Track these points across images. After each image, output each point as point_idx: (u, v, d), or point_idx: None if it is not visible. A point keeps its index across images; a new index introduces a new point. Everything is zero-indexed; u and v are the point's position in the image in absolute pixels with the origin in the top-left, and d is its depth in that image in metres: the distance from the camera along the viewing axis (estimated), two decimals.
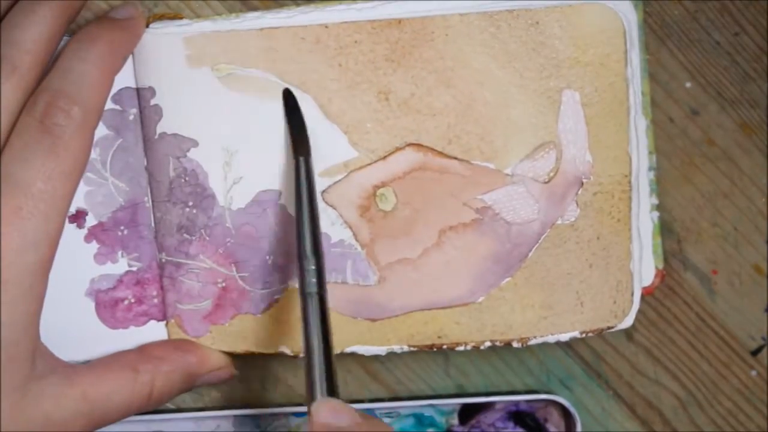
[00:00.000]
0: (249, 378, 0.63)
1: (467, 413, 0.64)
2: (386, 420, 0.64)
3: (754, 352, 0.65)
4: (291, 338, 0.59)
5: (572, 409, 0.62)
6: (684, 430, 0.65)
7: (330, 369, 0.52)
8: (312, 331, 0.53)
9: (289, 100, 0.57)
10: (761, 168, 0.64)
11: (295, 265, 0.55)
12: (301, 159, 0.56)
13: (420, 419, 0.64)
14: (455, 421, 0.64)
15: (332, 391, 0.52)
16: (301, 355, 0.58)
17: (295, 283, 0.58)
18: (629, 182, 0.59)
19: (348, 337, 0.59)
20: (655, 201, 0.61)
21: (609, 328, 0.60)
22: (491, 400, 0.63)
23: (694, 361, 0.65)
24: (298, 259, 0.54)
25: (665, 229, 0.63)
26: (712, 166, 0.64)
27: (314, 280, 0.54)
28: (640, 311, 0.62)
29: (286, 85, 0.57)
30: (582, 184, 0.58)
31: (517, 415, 0.64)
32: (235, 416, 0.63)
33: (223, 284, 0.58)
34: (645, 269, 0.61)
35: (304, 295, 0.54)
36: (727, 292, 0.65)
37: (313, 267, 0.54)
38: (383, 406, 0.63)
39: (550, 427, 0.64)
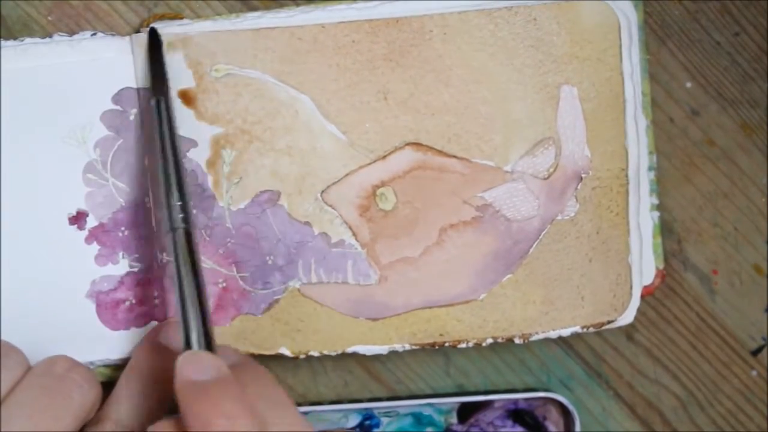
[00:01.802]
0: None
1: (466, 412, 0.64)
2: (385, 419, 0.64)
3: (754, 352, 0.65)
4: (291, 339, 0.59)
5: (571, 407, 0.62)
6: (684, 430, 0.65)
7: (204, 315, 0.52)
8: (182, 269, 0.52)
9: (154, 38, 0.57)
10: (761, 168, 0.64)
11: (162, 205, 0.54)
12: (160, 99, 0.56)
13: (419, 418, 0.64)
14: (454, 419, 0.64)
15: (207, 339, 0.51)
16: (301, 356, 0.58)
17: (295, 284, 0.59)
18: (626, 176, 0.59)
19: (349, 337, 0.59)
20: (655, 201, 0.61)
21: (609, 322, 0.60)
22: (490, 399, 0.63)
23: (694, 361, 0.65)
24: (165, 197, 0.54)
25: (665, 229, 0.63)
26: (712, 166, 0.64)
27: (180, 215, 0.53)
28: (640, 311, 0.62)
29: (284, 85, 0.57)
30: (581, 179, 0.58)
31: (516, 414, 0.64)
32: None
33: (224, 284, 0.58)
34: (645, 269, 0.61)
35: (171, 230, 0.53)
36: (727, 292, 0.65)
37: (179, 203, 0.54)
38: (381, 406, 0.63)
39: (549, 425, 0.64)
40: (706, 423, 0.65)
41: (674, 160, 0.63)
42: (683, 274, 0.64)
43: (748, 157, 0.64)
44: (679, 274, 0.64)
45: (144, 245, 0.59)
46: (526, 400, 0.64)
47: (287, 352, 0.59)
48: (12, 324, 0.58)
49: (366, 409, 0.63)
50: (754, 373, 0.65)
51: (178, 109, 0.57)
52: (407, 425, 0.64)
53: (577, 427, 0.62)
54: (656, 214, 0.61)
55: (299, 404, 0.63)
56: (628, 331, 0.64)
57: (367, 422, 0.64)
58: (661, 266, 0.62)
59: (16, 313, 0.58)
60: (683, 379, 0.65)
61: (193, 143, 0.57)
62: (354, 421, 0.64)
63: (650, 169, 0.61)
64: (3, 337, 0.58)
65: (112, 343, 0.59)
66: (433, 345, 0.59)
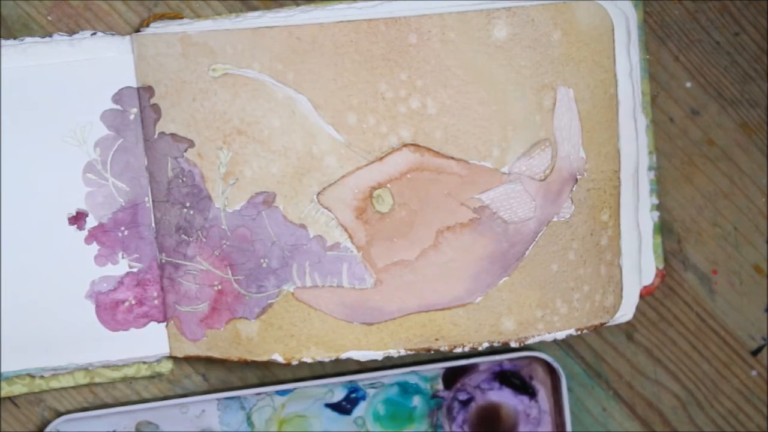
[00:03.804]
0: (248, 378, 0.63)
1: (451, 377, 0.64)
2: (371, 391, 0.63)
3: (754, 352, 0.65)
4: (284, 345, 0.59)
5: (556, 365, 0.62)
6: (684, 430, 0.65)
7: None
8: None
9: None
10: (761, 168, 0.64)
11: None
12: None
13: (405, 387, 0.64)
14: (440, 386, 0.64)
15: None
16: (294, 362, 0.58)
17: (289, 287, 0.58)
18: (619, 178, 0.59)
19: (344, 342, 0.59)
20: (655, 201, 0.61)
21: (602, 324, 0.60)
22: (474, 362, 0.63)
23: (694, 361, 0.65)
24: None
25: (665, 229, 0.63)
26: (712, 166, 0.64)
27: None
28: (640, 311, 0.62)
29: (281, 85, 0.57)
30: (576, 180, 0.58)
31: (502, 375, 0.64)
32: (219, 399, 0.62)
33: (219, 287, 0.58)
34: (645, 269, 0.61)
35: None
36: (727, 292, 0.64)
37: None
38: (366, 377, 0.62)
39: (536, 384, 0.64)
40: (706, 423, 0.65)
41: (674, 160, 0.63)
42: (683, 274, 0.64)
43: (748, 157, 0.64)
44: (678, 274, 0.64)
45: (144, 245, 0.59)
46: (511, 360, 0.64)
47: (280, 359, 0.59)
48: (11, 324, 0.58)
49: (351, 381, 0.63)
50: (754, 373, 0.65)
51: (176, 108, 0.57)
52: (394, 395, 0.64)
53: (563, 384, 0.62)
54: (656, 213, 0.61)
55: (284, 381, 0.63)
56: (628, 331, 0.64)
57: (353, 395, 0.64)
58: (661, 266, 0.62)
59: (15, 314, 0.58)
60: (683, 379, 0.65)
61: (190, 143, 0.57)
62: (340, 395, 0.63)
63: (650, 169, 0.61)
64: (3, 337, 0.58)
65: (112, 344, 0.59)
66: (428, 350, 0.59)
